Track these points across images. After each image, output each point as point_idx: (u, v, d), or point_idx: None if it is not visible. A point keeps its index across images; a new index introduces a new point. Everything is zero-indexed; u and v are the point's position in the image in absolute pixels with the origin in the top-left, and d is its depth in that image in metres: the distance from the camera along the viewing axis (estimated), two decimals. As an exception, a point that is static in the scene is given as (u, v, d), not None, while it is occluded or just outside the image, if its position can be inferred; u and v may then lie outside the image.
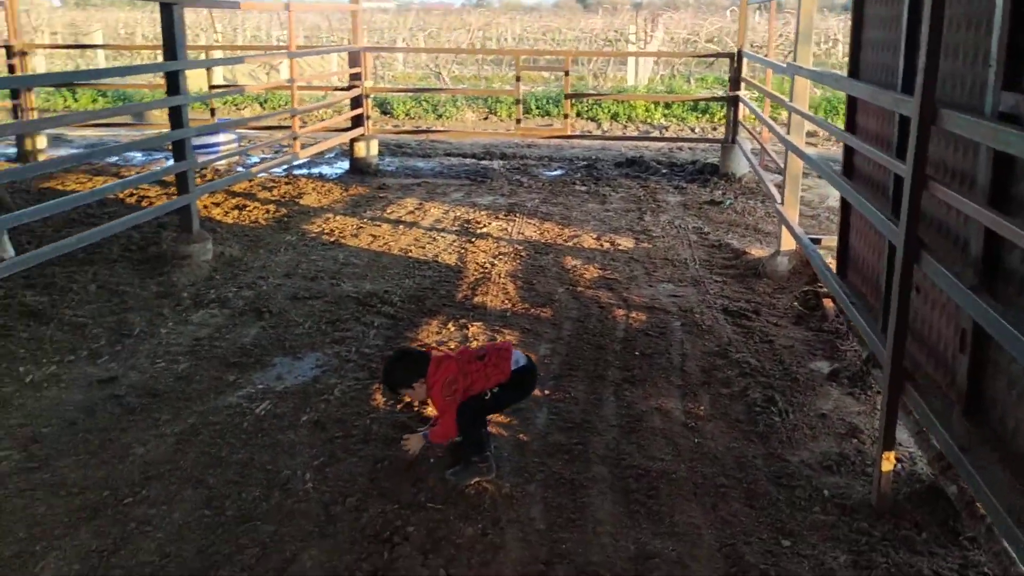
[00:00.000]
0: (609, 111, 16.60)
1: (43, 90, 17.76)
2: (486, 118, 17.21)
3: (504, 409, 4.12)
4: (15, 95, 12.07)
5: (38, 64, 22.66)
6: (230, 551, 3.28)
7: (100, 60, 26.51)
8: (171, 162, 7.15)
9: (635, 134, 15.22)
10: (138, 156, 12.45)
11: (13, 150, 12.47)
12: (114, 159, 11.96)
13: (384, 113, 16.90)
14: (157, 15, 7.04)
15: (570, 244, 7.81)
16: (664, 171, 11.56)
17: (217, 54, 17.78)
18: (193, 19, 31.86)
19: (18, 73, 11.96)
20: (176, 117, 6.82)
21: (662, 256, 7.41)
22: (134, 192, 9.52)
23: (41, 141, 12.28)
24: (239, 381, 4.81)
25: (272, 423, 4.31)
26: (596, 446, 4.11)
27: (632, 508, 3.61)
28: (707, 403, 4.62)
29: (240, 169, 11.16)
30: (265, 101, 17.84)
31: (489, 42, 33.56)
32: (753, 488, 3.78)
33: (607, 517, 3.54)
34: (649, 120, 16.39)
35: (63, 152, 12.44)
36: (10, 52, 11.90)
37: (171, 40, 6.66)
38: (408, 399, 4.22)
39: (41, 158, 11.81)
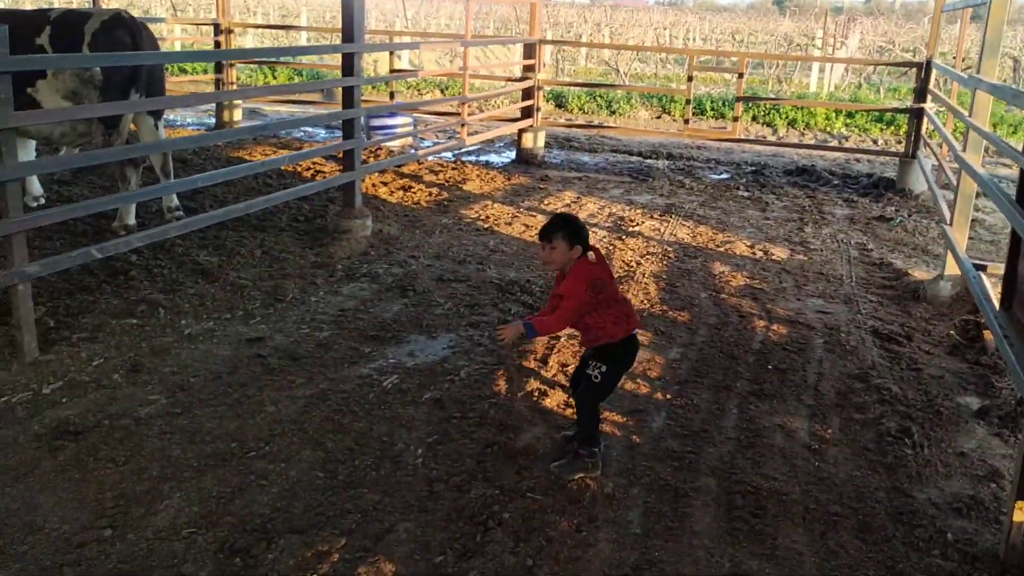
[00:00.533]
0: (787, 117, 16.03)
1: (247, 67, 19.01)
2: (659, 117, 17.02)
3: (614, 389, 4.02)
4: (219, 69, 13.04)
5: (247, 42, 24.29)
6: (334, 514, 3.44)
7: (303, 41, 28.03)
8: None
9: (811, 142, 14.61)
10: (321, 132, 13.13)
11: (213, 120, 13.48)
12: (299, 134, 12.67)
13: (559, 106, 17.03)
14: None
15: (721, 250, 7.63)
16: (836, 182, 11.07)
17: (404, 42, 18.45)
18: (391, 7, 33.17)
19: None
20: (348, 97, 7.15)
21: (816, 270, 7.11)
22: (311, 167, 10.05)
23: (237, 114, 13.21)
24: (373, 354, 5.02)
25: (396, 397, 4.47)
26: (709, 457, 4.03)
27: (734, 525, 3.52)
28: (836, 427, 4.42)
29: (411, 151, 11.56)
30: (446, 88, 18.36)
31: (676, 41, 33.11)
32: (869, 521, 3.60)
33: (706, 530, 3.47)
34: (829, 129, 15.70)
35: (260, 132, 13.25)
36: (217, 30, 12.85)
37: (349, 23, 6.98)
38: (545, 256, 3.86)
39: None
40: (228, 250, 6.71)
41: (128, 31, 6.59)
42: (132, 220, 7.02)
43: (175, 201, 7.33)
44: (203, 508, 3.44)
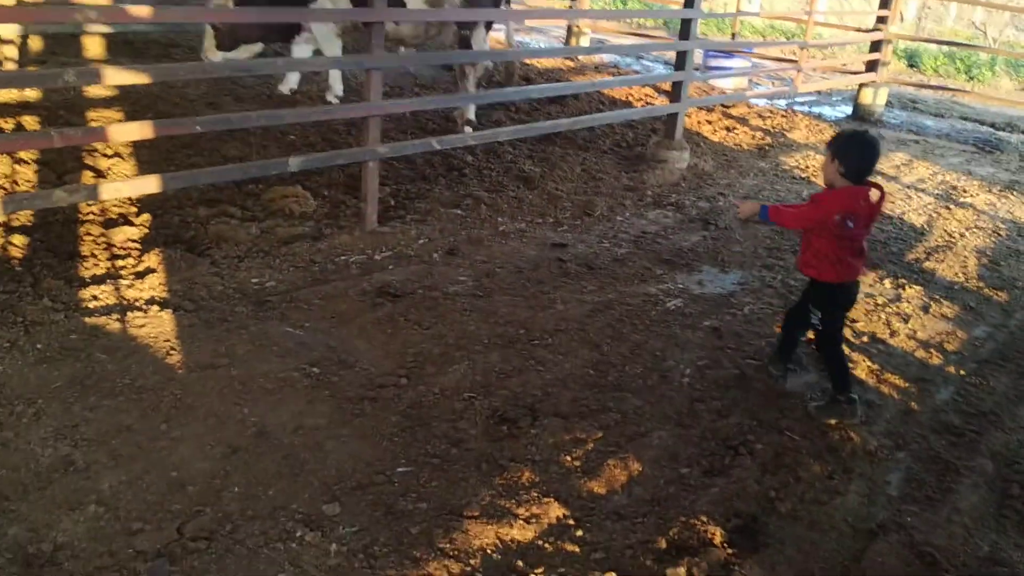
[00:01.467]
0: None
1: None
2: (1026, 89, 15.19)
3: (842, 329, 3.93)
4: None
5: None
6: (596, 409, 3.71)
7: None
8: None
9: None
10: (660, 68, 13.23)
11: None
12: (637, 67, 12.86)
13: (911, 66, 15.76)
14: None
15: (1072, 237, 6.84)
16: None
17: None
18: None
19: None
20: (685, 30, 7.21)
21: None
22: (643, 98, 10.22)
23: (584, 41, 13.65)
24: (663, 276, 5.19)
25: (676, 319, 4.63)
26: (993, 440, 3.79)
27: (1003, 512, 3.32)
28: None
29: (741, 94, 11.35)
30: (793, 36, 17.61)
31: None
32: None
33: (969, 509, 3.31)
34: None
35: (596, 53, 13.62)
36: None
37: (698, -45, 7.00)
38: (821, 163, 3.77)
39: (580, 56, 13.14)
40: (551, 163, 7.12)
41: None
42: (472, 116, 7.69)
43: (472, 115, 7.87)
44: (484, 378, 3.85)
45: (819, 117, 10.72)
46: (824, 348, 3.86)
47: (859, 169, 3.52)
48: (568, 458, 3.35)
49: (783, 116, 10.24)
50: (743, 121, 9.73)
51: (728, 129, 9.25)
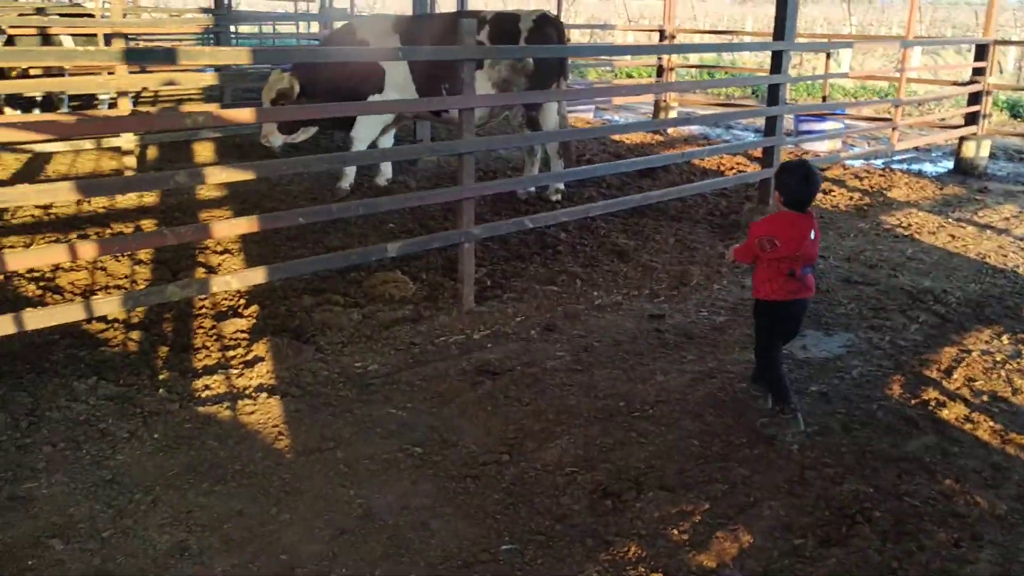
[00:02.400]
0: None
1: (687, 72, 19.60)
2: None
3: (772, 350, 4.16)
4: (659, 73, 13.81)
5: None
6: (702, 480, 3.61)
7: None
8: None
9: None
10: (750, 136, 13.17)
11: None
12: (728, 137, 12.85)
13: (1014, 116, 15.24)
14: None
15: None
16: None
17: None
18: (839, 15, 31.90)
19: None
20: (773, 95, 7.20)
21: None
22: (735, 167, 10.18)
23: (672, 115, 13.77)
24: (765, 343, 5.08)
25: (781, 385, 4.51)
26: None
27: None
28: None
29: (836, 156, 11.19)
30: (886, 95, 17.34)
31: None
32: None
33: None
34: None
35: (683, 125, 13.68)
36: (663, 35, 13.55)
37: (782, 22, 7.03)
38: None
39: (670, 130, 13.24)
40: (644, 236, 7.13)
41: (555, 28, 7.61)
42: (557, 196, 7.95)
43: (561, 186, 8.12)
44: (586, 452, 3.81)
45: (919, 174, 10.44)
46: (759, 361, 4.26)
47: (796, 199, 3.98)
48: (675, 531, 3.26)
49: (881, 175, 10.01)
50: (839, 183, 9.56)
51: (824, 192, 9.09)
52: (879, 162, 10.97)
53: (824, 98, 12.19)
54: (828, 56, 12.00)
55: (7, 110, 10.73)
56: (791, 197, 3.97)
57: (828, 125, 11.70)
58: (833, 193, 9.05)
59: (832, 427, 4.07)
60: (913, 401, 4.33)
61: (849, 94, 17.73)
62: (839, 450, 3.86)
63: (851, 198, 8.89)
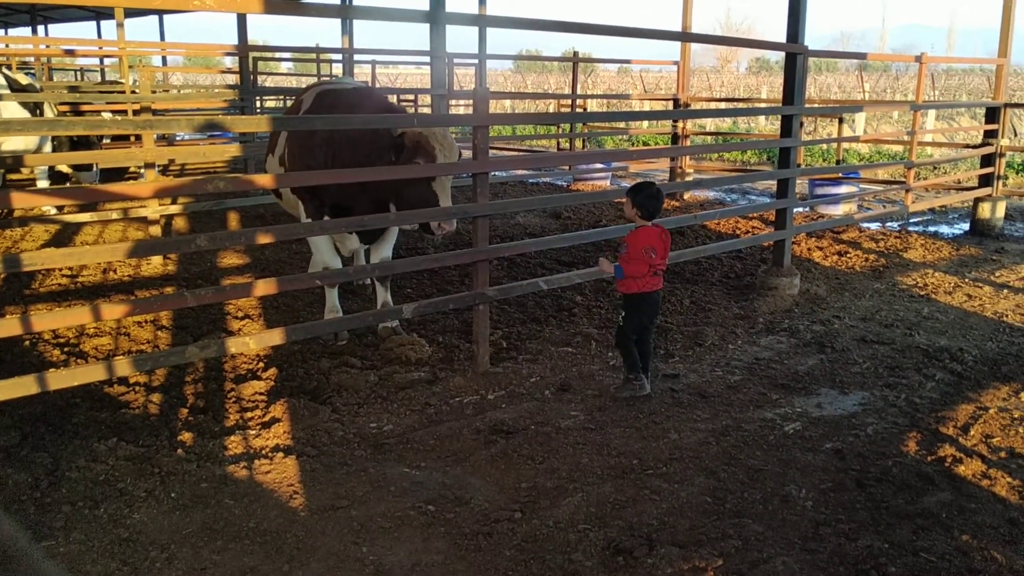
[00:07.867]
0: None
1: (699, 138, 19.91)
2: None
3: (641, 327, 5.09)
4: (675, 140, 14.04)
5: (707, 119, 25.38)
6: (715, 536, 3.60)
7: (760, 118, 28.50)
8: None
9: None
10: (764, 200, 13.29)
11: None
12: (743, 202, 12.96)
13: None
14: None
15: None
16: None
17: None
18: (852, 83, 32.24)
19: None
20: (784, 158, 7.31)
21: None
22: (750, 230, 10.25)
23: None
24: (780, 401, 5.09)
25: (795, 442, 4.50)
26: None
27: None
28: None
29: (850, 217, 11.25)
30: (901, 157, 17.46)
31: None
32: None
33: None
34: None
35: (701, 190, 13.85)
36: (676, 104, 13.81)
37: (791, 85, 7.16)
38: (624, 208, 5.14)
39: (686, 195, 13.39)
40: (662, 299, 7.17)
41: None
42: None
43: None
44: (599, 510, 3.81)
45: (936, 235, 10.47)
46: (619, 341, 5.11)
47: (651, 212, 4.98)
48: (688, 587, 3.25)
49: (897, 237, 10.05)
50: (855, 245, 9.60)
51: (840, 254, 9.14)
52: (895, 224, 11.02)
53: (838, 162, 12.30)
54: (840, 121, 12.16)
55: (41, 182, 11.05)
56: (647, 212, 4.96)
57: (843, 188, 11.79)
58: (849, 255, 9.08)
59: (846, 484, 4.04)
60: (929, 458, 4.31)
61: (864, 159, 17.87)
62: (854, 506, 3.84)
63: (867, 259, 8.92)
